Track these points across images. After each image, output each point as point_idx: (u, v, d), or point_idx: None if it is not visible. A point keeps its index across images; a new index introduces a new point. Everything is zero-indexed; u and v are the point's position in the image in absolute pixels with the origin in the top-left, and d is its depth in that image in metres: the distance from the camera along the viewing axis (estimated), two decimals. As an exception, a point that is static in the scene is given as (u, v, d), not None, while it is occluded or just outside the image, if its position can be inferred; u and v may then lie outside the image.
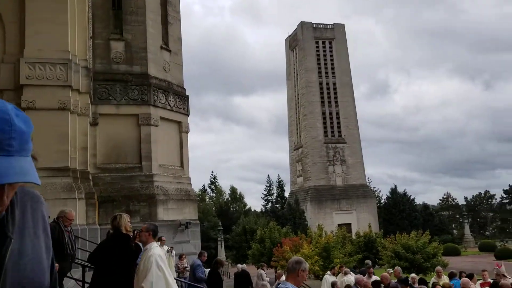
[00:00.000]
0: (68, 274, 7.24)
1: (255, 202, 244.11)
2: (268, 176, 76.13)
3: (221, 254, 45.34)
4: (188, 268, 14.55)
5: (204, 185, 73.02)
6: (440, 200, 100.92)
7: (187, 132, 18.13)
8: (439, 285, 9.82)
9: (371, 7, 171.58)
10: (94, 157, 15.08)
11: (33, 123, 1.13)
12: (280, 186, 74.23)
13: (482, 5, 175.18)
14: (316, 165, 64.94)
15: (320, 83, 67.73)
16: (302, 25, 69.12)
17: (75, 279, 7.09)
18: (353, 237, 39.83)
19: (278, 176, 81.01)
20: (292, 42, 72.02)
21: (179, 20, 18.92)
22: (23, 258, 1.19)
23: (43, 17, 12.07)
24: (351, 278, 13.37)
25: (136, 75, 16.42)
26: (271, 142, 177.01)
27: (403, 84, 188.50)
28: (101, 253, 5.54)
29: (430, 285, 11.79)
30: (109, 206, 14.60)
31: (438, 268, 13.63)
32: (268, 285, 11.27)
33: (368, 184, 70.51)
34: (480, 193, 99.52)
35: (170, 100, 17.15)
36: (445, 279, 12.17)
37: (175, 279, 11.80)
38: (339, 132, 66.72)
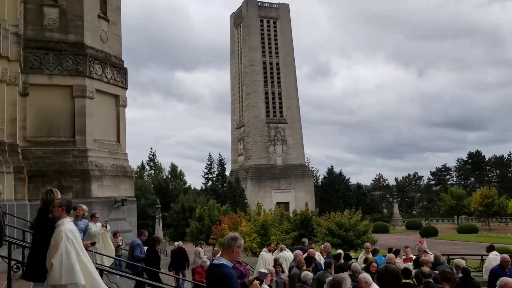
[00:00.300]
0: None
1: (195, 180, 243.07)
2: (210, 154, 75.96)
3: (159, 232, 44.94)
4: (122, 246, 14.25)
5: (143, 162, 71.56)
6: (372, 180, 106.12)
7: (124, 106, 17.50)
8: (374, 264, 10.30)
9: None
10: (24, 129, 14.22)
11: None
12: (221, 164, 74.32)
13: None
14: (258, 144, 65.52)
15: (264, 63, 67.86)
16: (247, 2, 68.52)
17: (2, 257, 6.69)
18: (291, 215, 40.88)
19: (220, 154, 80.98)
20: (237, 19, 71.30)
21: (119, -12, 18.03)
22: None
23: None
24: (286, 254, 13.69)
25: (71, 44, 15.51)
26: (213, 120, 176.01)
27: (343, 67, 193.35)
28: (35, 230, 5.30)
29: (360, 260, 12.37)
30: (40, 181, 13.87)
31: (367, 244, 14.28)
32: (208, 261, 11.29)
33: (306, 164, 72.32)
34: (409, 175, 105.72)
35: (107, 72, 16.41)
36: (371, 255, 12.82)
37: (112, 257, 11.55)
38: (281, 112, 67.52)
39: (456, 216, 68.51)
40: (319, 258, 12.04)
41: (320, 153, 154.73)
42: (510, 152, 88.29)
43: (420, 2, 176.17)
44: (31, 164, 14.02)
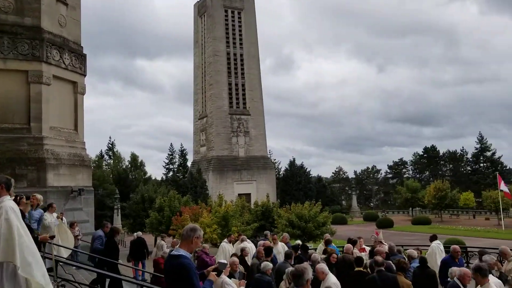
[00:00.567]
0: None
1: (156, 170, 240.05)
2: (171, 145, 75.11)
3: (117, 223, 44.14)
4: (80, 237, 13.95)
5: (101, 151, 69.88)
6: (333, 173, 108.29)
7: (83, 93, 17.00)
8: (335, 254, 10.56)
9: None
10: (-26, 115, 13.60)
11: None
12: (183, 155, 73.66)
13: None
14: (220, 135, 65.28)
15: (228, 53, 67.45)
16: (212, -8, 67.77)
17: None
18: (252, 206, 41.10)
19: (181, 145, 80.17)
20: (201, 8, 70.42)
21: (78, -29, 17.40)
22: None
23: None
24: (247, 245, 13.83)
25: (27, 28, 14.89)
26: (175, 110, 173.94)
27: (306, 60, 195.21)
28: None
29: (319, 250, 12.63)
30: (-9, 169, 13.32)
31: (327, 235, 14.65)
32: (169, 254, 11.20)
33: (269, 156, 72.78)
34: (368, 168, 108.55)
35: (65, 58, 15.87)
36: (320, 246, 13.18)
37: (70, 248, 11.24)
38: (244, 104, 67.48)
39: (411, 208, 70.98)
40: (284, 248, 12.24)
41: (282, 145, 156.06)
42: (463, 147, 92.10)
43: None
44: (-18, 152, 13.44)
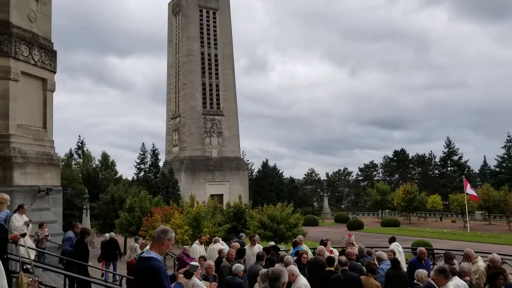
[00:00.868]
0: None
1: (127, 170, 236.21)
2: (143, 144, 74.10)
3: (86, 223, 43.26)
4: (49, 238, 13.61)
5: (71, 149, 68.35)
6: (305, 175, 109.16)
7: (52, 90, 16.59)
8: (305, 255, 10.65)
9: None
10: None
11: None
12: (155, 154, 72.76)
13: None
14: (193, 135, 64.84)
15: (202, 53, 67.10)
16: (187, -9, 67.29)
17: None
18: (224, 207, 40.98)
19: (153, 144, 79.26)
20: (176, 7, 69.82)
21: (49, -35, 16.98)
22: None
23: None
24: (222, 247, 13.80)
25: (-6, 22, 14.44)
26: (147, 109, 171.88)
27: (279, 62, 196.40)
28: None
29: (289, 252, 12.72)
30: (-46, 168, 12.85)
31: (300, 237, 14.74)
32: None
33: (242, 157, 72.75)
34: (339, 170, 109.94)
35: (35, 54, 15.46)
36: (304, 247, 13.25)
37: (33, 248, 10.92)
38: (218, 104, 67.24)
39: (380, 210, 72.26)
40: (260, 250, 12.26)
41: (255, 146, 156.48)
42: (431, 151, 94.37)
43: (354, 3, 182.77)
44: None
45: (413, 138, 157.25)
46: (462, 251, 10.80)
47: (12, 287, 6.18)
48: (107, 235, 19.41)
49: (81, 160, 66.37)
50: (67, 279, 9.08)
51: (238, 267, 8.74)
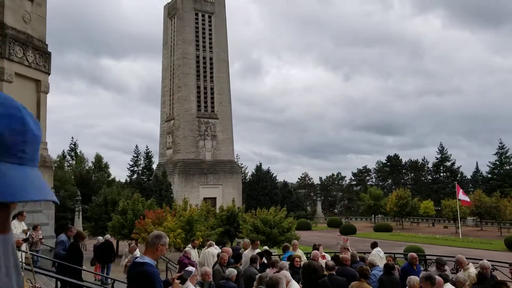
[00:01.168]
0: None
1: (120, 172, 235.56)
2: (136, 146, 73.95)
3: (78, 225, 42.98)
4: (43, 240, 13.54)
5: (64, 151, 67.99)
6: (298, 179, 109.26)
7: (46, 92, 16.52)
8: (298, 258, 10.68)
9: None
10: None
11: None
12: (148, 157, 72.56)
13: (348, 0, 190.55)
14: (187, 138, 64.72)
15: (197, 56, 67.09)
16: (183, -6, 67.32)
17: None
18: (217, 211, 40.90)
19: (147, 147, 79.20)
20: (171, 10, 69.81)
21: (45, -33, 16.94)
22: None
23: None
24: (214, 250, 13.77)
25: (-12, 22, 14.37)
26: (141, 111, 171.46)
27: (274, 66, 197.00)
28: None
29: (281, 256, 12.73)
30: None
31: (295, 241, 14.74)
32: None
33: (236, 160, 72.68)
34: (333, 174, 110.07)
35: (29, 56, 15.40)
36: (299, 252, 13.28)
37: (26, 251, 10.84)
38: (212, 107, 67.20)
39: (373, 215, 72.43)
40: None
41: (248, 150, 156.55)
42: (424, 157, 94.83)
43: (349, 9, 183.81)
44: None
45: (406, 144, 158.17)
46: (454, 257, 10.87)
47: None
48: (100, 238, 19.31)
49: (74, 161, 66.03)
50: (59, 282, 9.02)
51: (232, 271, 8.74)
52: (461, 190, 48.75)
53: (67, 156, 67.30)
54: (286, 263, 9.80)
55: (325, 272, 9.19)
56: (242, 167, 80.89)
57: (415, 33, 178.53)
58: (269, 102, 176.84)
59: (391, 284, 9.29)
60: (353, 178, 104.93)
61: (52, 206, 16.67)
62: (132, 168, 72.26)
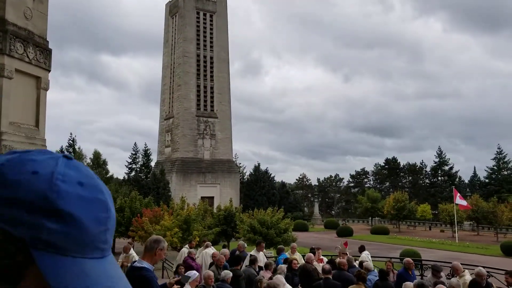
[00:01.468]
0: None
1: (118, 169, 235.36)
2: (135, 144, 73.86)
3: (76, 222, 42.97)
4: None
5: (62, 147, 67.80)
6: (296, 179, 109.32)
7: (46, 89, 16.43)
8: (295, 261, 10.69)
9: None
10: None
11: None
12: (147, 155, 72.45)
13: (348, 1, 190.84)
14: (186, 137, 64.69)
15: (198, 55, 67.07)
16: (185, -8, 67.30)
17: None
18: (215, 210, 40.93)
19: (145, 144, 78.86)
20: (173, 9, 69.79)
21: (48, -37, 16.92)
22: None
23: None
24: (211, 251, 13.79)
25: (-10, 18, 14.34)
26: (140, 108, 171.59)
27: (274, 66, 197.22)
28: None
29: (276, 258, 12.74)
30: None
31: (294, 244, 14.71)
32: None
33: (234, 160, 72.69)
34: (331, 176, 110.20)
35: (30, 52, 15.36)
36: (297, 255, 13.30)
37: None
38: (212, 106, 67.18)
39: (370, 218, 72.54)
40: (264, 257, 12.33)
41: (247, 149, 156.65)
42: (422, 161, 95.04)
43: (349, 10, 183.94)
44: None
45: (405, 147, 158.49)
46: (450, 263, 10.90)
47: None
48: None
49: (72, 158, 65.86)
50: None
51: (227, 273, 8.75)
52: (458, 194, 48.86)
53: (66, 152, 67.12)
54: (284, 267, 9.81)
55: (321, 276, 9.23)
56: (241, 166, 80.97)
57: (415, 36, 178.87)
58: (268, 102, 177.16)
59: (387, 289, 9.32)
60: (351, 180, 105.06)
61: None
62: (130, 166, 72.19)
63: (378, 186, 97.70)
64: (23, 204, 0.63)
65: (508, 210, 52.44)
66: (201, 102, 66.36)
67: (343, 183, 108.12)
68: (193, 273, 5.40)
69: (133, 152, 72.86)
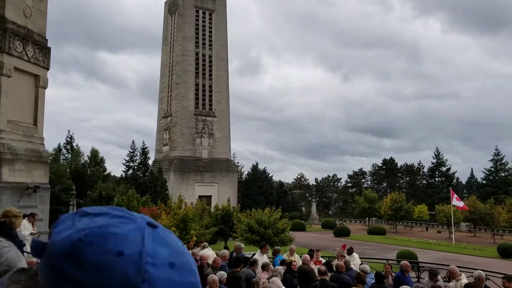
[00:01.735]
0: None
1: (115, 167, 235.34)
2: (133, 142, 73.90)
3: (73, 219, 42.87)
4: (38, 235, 13.51)
5: (59, 144, 67.71)
6: (294, 179, 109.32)
7: (44, 87, 16.47)
8: (294, 262, 10.71)
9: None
10: None
11: None
12: (144, 153, 72.46)
13: (348, 1, 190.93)
14: (184, 135, 64.63)
15: (197, 54, 66.97)
16: (185, -9, 67.18)
17: None
18: (212, 209, 40.92)
19: (143, 142, 79.05)
20: (172, 7, 69.67)
21: (47, -39, 16.88)
22: None
23: None
24: (208, 252, 13.81)
25: (-11, 16, 14.32)
26: (138, 106, 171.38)
27: (273, 65, 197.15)
28: None
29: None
30: None
31: (292, 246, 14.74)
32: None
33: (232, 159, 72.66)
34: (328, 176, 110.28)
35: (29, 50, 15.36)
36: (295, 257, 13.31)
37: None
38: (210, 105, 67.12)
39: (367, 218, 72.63)
40: (266, 259, 12.33)
41: (245, 148, 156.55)
42: (420, 161, 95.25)
43: (349, 10, 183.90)
44: None
45: (402, 147, 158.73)
46: (447, 265, 10.94)
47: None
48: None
49: (70, 155, 65.81)
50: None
51: (223, 275, 8.77)
52: (455, 195, 48.96)
53: (63, 150, 67.08)
54: (281, 268, 9.83)
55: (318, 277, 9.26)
56: (239, 166, 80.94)
57: (414, 36, 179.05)
58: (267, 101, 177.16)
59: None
60: (348, 180, 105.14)
61: (48, 202, 16.65)
62: (128, 164, 72.19)
63: (375, 186, 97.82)
64: None
65: (505, 211, 52.59)
66: (199, 100, 66.29)
67: (341, 183, 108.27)
68: None
69: (131, 150, 72.90)
